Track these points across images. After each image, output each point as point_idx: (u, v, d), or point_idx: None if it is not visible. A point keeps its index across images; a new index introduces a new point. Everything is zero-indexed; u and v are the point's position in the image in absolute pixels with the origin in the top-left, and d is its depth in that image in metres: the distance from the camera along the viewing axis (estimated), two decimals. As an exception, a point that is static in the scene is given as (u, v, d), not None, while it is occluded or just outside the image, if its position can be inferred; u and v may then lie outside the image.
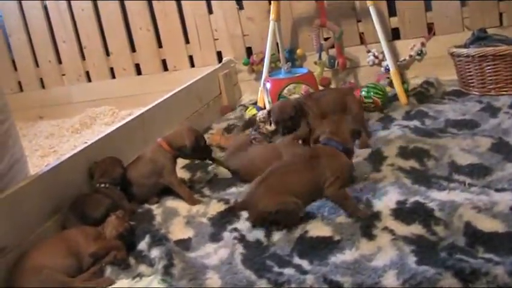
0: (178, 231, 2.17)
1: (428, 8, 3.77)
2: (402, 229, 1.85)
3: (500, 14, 3.64)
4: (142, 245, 2.00)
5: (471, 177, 2.17)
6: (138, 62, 4.53)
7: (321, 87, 3.45)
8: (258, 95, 3.57)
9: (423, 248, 1.71)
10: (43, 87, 4.83)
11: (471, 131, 2.68)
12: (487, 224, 1.75)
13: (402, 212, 1.93)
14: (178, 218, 2.26)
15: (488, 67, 3.12)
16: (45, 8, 4.61)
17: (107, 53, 4.58)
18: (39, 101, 4.78)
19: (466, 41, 3.39)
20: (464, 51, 3.24)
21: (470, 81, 3.26)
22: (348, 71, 3.91)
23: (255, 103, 3.64)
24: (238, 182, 2.52)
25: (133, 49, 4.52)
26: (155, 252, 1.91)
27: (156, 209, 2.35)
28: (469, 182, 2.13)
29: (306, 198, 2.06)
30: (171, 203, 2.40)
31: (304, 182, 2.07)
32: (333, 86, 3.75)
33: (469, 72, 3.24)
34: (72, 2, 4.52)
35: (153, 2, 4.33)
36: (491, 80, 3.14)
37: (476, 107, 2.99)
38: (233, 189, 2.46)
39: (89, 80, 4.70)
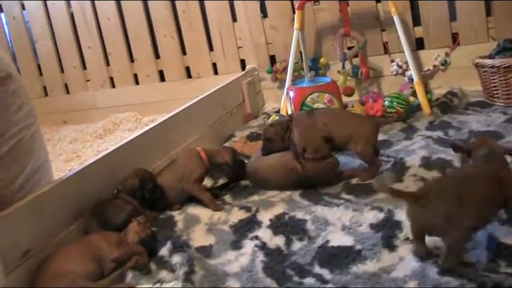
0: (200, 238, 2.17)
1: (452, 17, 3.75)
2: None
3: (526, 25, 3.62)
4: (164, 251, 2.00)
5: (494, 189, 2.15)
6: (162, 69, 4.56)
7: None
8: (281, 103, 3.57)
9: (445, 261, 1.70)
10: (68, 92, 4.87)
11: (495, 142, 2.66)
12: (510, 238, 1.74)
13: (424, 223, 1.93)
14: (200, 225, 2.27)
15: (514, 78, 3.10)
16: (71, 15, 4.66)
17: (131, 60, 4.61)
18: (63, 106, 4.83)
19: (491, 51, 3.36)
20: (489, 61, 3.21)
21: (495, 92, 3.23)
22: (371, 81, 3.90)
23: (278, 111, 3.64)
24: (259, 190, 2.52)
25: (157, 56, 4.55)
26: (176, 259, 1.92)
27: (178, 216, 2.36)
28: (492, 193, 2.11)
29: None
30: (192, 209, 2.41)
31: None
32: (355, 95, 3.73)
33: (494, 83, 3.21)
34: (98, 9, 4.57)
35: (178, 10, 4.36)
36: (516, 91, 3.12)
37: (501, 118, 2.97)
38: (255, 197, 2.47)
39: (113, 86, 4.73)
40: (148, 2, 4.42)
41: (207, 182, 2.70)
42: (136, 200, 2.33)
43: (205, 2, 4.27)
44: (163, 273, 1.92)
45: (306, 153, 2.39)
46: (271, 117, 3.51)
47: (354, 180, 2.43)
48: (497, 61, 3.17)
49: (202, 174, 2.53)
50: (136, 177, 2.36)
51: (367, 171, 2.45)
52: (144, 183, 2.35)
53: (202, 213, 2.37)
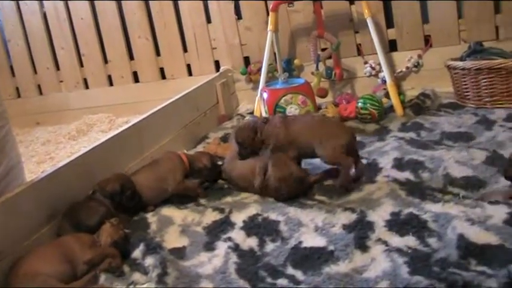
0: (173, 239, 2.17)
1: (425, 20, 3.79)
2: (396, 240, 1.86)
3: (497, 28, 3.67)
4: (137, 253, 2.00)
5: (465, 190, 2.18)
6: (136, 70, 4.55)
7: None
8: (255, 105, 3.57)
9: (416, 260, 1.72)
10: (41, 93, 4.84)
11: (466, 143, 2.69)
12: (480, 237, 1.76)
13: (396, 224, 1.95)
14: (173, 227, 2.26)
15: (484, 80, 3.14)
16: (44, 15, 4.62)
17: (105, 61, 4.59)
18: (36, 107, 4.79)
19: (462, 53, 3.41)
20: (460, 64, 3.25)
21: (466, 93, 3.28)
22: (345, 82, 3.93)
23: (252, 112, 3.65)
24: (233, 191, 2.53)
25: (131, 57, 4.53)
26: (149, 261, 1.91)
27: (151, 217, 2.35)
28: (463, 194, 2.14)
29: None
30: (166, 211, 2.40)
31: None
32: (329, 97, 3.74)
33: (465, 85, 3.25)
34: (71, 10, 4.55)
35: (153, 11, 4.35)
36: (486, 93, 3.16)
37: (472, 120, 3.01)
38: (228, 199, 2.47)
39: (87, 87, 4.71)
40: (122, 2, 4.41)
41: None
42: (112, 202, 2.32)
43: (179, 2, 4.27)
44: (137, 276, 1.91)
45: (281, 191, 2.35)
46: (245, 119, 3.53)
47: (327, 182, 2.44)
48: (468, 63, 3.21)
49: (182, 176, 2.54)
50: (117, 182, 2.35)
51: (340, 177, 2.37)
52: (124, 189, 2.34)
53: (176, 214, 2.36)
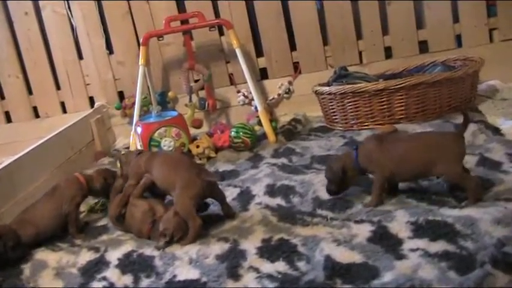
0: (47, 283, 2.13)
1: (293, 47, 3.92)
2: (267, 267, 1.90)
3: (360, 52, 3.86)
4: (8, 302, 1.95)
5: (333, 211, 2.25)
6: (7, 110, 4.40)
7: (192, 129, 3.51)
8: (131, 139, 3.55)
9: (286, 284, 1.77)
10: None
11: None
12: (346, 256, 1.84)
13: (267, 250, 2.00)
14: (47, 270, 2.21)
15: (349, 104, 3.27)
16: None
17: (-25, 101, 4.42)
18: None
19: (329, 78, 3.54)
20: (326, 89, 3.38)
21: (334, 117, 3.40)
22: (219, 112, 3.99)
23: (128, 147, 3.62)
24: (110, 229, 2.51)
25: (2, 96, 4.39)
26: (20, 309, 1.87)
27: (24, 263, 2.28)
28: (331, 216, 2.21)
29: None
30: (40, 254, 2.34)
31: None
32: (205, 127, 3.79)
33: (332, 108, 3.38)
34: None
35: (21, 48, 4.25)
36: (352, 115, 3.29)
37: (340, 142, 3.13)
38: (104, 237, 2.45)
39: (-45, 128, 4.51)
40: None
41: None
42: None
43: (49, 39, 4.19)
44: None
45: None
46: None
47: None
48: (333, 88, 3.33)
49: (80, 198, 2.58)
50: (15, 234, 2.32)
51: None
52: (6, 241, 2.27)
53: (51, 257, 2.31)
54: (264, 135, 3.42)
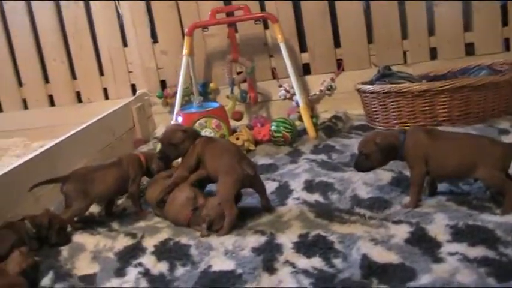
0: (84, 266, 2.14)
1: (337, 44, 3.90)
2: (303, 262, 1.90)
3: (405, 52, 3.83)
4: (46, 281, 1.98)
5: (371, 211, 2.24)
6: (51, 94, 4.48)
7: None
8: (171, 129, 3.56)
9: (321, 281, 1.76)
10: (-47, 117, 4.69)
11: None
12: (383, 256, 1.83)
13: (304, 245, 1.99)
14: (85, 253, 2.23)
15: (392, 103, 3.25)
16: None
17: (20, 84, 4.50)
18: None
19: (372, 77, 3.52)
20: (369, 87, 3.36)
21: (375, 116, 3.38)
22: (260, 105, 3.99)
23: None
24: (146, 216, 2.53)
25: (46, 80, 4.46)
26: (58, 289, 1.89)
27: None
28: (369, 215, 2.20)
29: None
30: (78, 238, 2.36)
31: None
32: (244, 120, 3.80)
33: (374, 107, 3.36)
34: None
35: (68, 34, 4.30)
36: (394, 115, 3.27)
37: (381, 141, 3.10)
38: (141, 224, 2.46)
39: (1, 110, 4.60)
40: (37, 24, 4.34)
41: (95, 209, 2.67)
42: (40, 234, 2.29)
43: (95, 26, 4.24)
44: (44, 304, 1.89)
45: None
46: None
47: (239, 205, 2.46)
48: (376, 87, 3.32)
49: (140, 177, 2.63)
50: (46, 216, 2.31)
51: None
52: (53, 225, 2.30)
53: (89, 241, 2.33)
54: (304, 131, 3.42)
